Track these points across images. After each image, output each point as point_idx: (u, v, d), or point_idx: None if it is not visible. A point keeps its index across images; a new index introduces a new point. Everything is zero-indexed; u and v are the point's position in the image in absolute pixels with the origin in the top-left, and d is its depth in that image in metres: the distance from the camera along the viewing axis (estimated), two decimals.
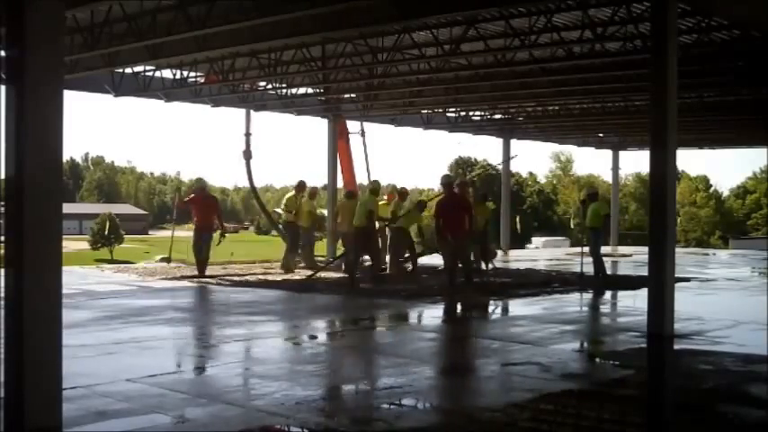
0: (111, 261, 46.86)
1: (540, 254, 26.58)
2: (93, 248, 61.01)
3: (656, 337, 8.93)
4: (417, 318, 11.30)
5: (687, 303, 11.29)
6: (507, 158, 27.21)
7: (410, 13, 11.66)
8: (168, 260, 19.27)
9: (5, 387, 4.80)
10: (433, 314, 11.56)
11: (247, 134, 21.56)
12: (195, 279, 15.30)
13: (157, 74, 17.53)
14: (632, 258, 22.57)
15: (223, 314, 11.26)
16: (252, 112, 21.42)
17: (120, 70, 17.15)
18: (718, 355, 8.30)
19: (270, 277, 15.89)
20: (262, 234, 75.94)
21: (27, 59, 4.72)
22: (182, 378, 7.10)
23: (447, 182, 14.37)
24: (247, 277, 15.92)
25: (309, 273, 16.18)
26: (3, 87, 4.97)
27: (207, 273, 15.97)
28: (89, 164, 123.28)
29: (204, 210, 16.23)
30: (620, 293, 13.99)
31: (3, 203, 4.87)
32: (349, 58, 15.57)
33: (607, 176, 46.28)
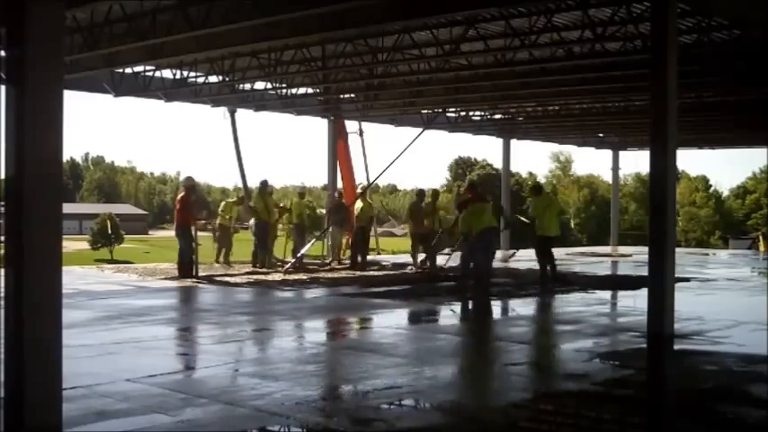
0: (111, 261, 46.87)
1: None
2: (93, 248, 61.00)
3: (656, 337, 8.93)
4: (416, 318, 11.30)
5: (687, 303, 11.30)
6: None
7: (410, 13, 11.65)
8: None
9: (5, 387, 4.79)
10: (432, 314, 11.56)
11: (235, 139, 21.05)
12: (194, 279, 15.30)
13: (157, 74, 17.53)
14: (632, 258, 22.58)
15: (223, 314, 11.26)
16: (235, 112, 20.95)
17: (120, 70, 17.17)
18: (718, 355, 8.30)
19: (269, 277, 15.90)
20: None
21: (27, 59, 4.72)
22: (182, 378, 7.10)
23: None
24: (246, 277, 15.92)
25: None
26: (3, 87, 4.97)
27: (205, 273, 16.00)
28: (89, 164, 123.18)
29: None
30: (621, 293, 14.00)
31: (3, 203, 4.87)
32: (349, 58, 15.57)
33: (607, 176, 46.37)
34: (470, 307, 12.20)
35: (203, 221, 17.52)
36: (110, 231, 60.40)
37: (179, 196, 16.57)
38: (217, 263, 18.14)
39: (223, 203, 19.62)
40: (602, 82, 16.93)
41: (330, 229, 20.00)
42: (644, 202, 53.72)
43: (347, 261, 19.24)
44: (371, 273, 17.35)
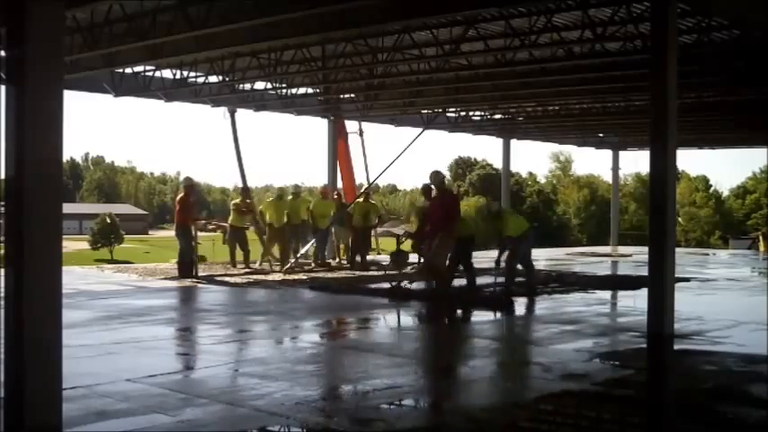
0: (111, 261, 46.89)
1: (538, 254, 26.57)
2: (93, 248, 61.03)
3: (656, 337, 8.93)
4: (415, 318, 11.30)
5: (687, 303, 11.30)
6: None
7: (410, 13, 11.65)
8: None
9: (5, 387, 4.79)
10: (431, 314, 11.55)
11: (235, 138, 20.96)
12: (194, 279, 15.30)
13: (157, 74, 17.53)
14: (632, 258, 22.57)
15: (223, 314, 11.26)
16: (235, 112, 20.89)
17: (120, 70, 17.16)
18: (718, 355, 8.30)
19: (269, 277, 15.89)
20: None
21: (27, 59, 4.72)
22: (182, 378, 7.10)
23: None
24: (246, 277, 15.92)
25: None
26: (3, 87, 4.97)
27: (205, 273, 16.01)
28: (89, 164, 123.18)
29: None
30: (621, 293, 14.00)
31: (3, 203, 4.87)
32: (349, 58, 15.57)
33: (607, 176, 46.37)
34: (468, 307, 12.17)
35: (203, 222, 17.50)
36: (109, 231, 60.45)
37: (178, 197, 16.58)
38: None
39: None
40: (602, 82, 16.92)
41: (333, 229, 19.96)
42: (644, 202, 53.74)
43: (344, 261, 19.26)
44: (372, 273, 17.34)
